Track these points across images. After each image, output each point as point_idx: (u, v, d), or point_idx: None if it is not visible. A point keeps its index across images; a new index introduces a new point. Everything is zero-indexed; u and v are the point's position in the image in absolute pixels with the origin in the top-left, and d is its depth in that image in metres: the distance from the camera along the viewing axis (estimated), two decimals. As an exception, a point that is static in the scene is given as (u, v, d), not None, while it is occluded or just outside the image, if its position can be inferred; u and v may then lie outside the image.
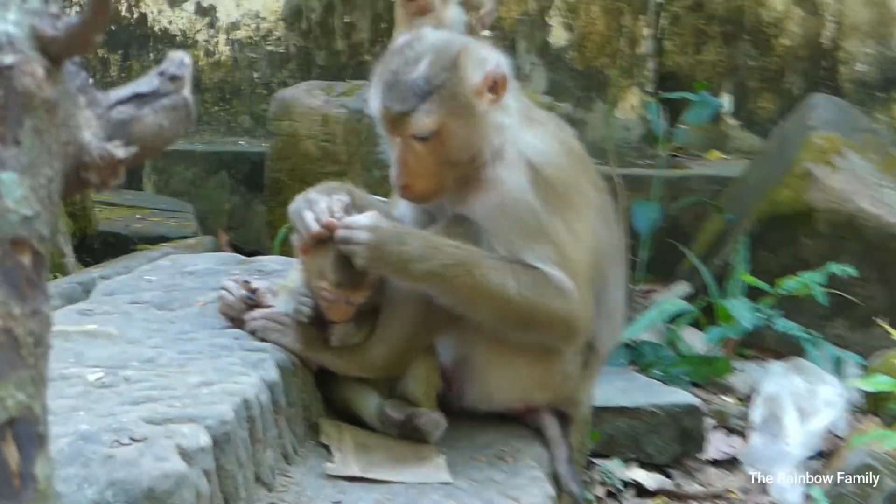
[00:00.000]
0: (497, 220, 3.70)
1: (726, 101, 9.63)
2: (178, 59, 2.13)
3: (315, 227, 3.64)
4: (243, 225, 9.33)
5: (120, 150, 2.00)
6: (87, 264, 7.03)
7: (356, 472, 3.52)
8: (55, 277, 6.44)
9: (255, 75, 9.88)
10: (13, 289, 1.86)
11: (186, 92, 2.13)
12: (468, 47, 3.75)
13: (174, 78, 2.10)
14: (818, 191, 6.77)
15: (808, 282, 5.77)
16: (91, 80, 2.07)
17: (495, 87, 3.70)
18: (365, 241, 3.58)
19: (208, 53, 9.83)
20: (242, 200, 9.42)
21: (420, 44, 3.74)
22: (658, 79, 9.57)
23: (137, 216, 8.39)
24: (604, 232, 3.96)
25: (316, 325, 3.77)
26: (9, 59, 1.83)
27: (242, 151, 9.58)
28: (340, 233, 3.59)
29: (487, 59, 3.71)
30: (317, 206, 3.70)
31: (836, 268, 5.83)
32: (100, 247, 7.65)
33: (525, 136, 3.77)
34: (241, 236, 8.91)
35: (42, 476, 1.90)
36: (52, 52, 1.89)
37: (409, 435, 3.76)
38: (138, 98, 2.08)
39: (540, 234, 3.68)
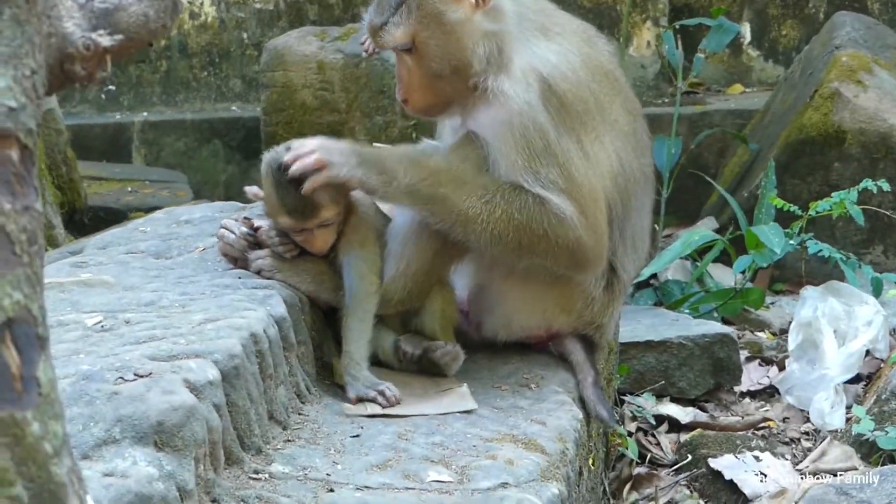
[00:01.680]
0: (503, 137, 3.74)
1: (746, 31, 9.64)
2: (160, -53, 2.17)
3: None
4: (240, 194, 9.30)
5: (105, 39, 2.04)
6: (77, 240, 7.08)
7: (376, 409, 3.57)
8: (46, 250, 6.49)
9: (245, 36, 9.90)
10: (2, 184, 1.89)
11: (171, -20, 2.17)
12: None
13: (157, -35, 2.14)
14: (847, 111, 6.78)
15: (842, 200, 5.75)
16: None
17: None
18: (350, 151, 3.66)
19: (193, 16, 9.86)
20: (238, 169, 9.45)
21: None
22: (672, 13, 9.57)
23: (128, 189, 8.43)
24: (632, 158, 3.98)
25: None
26: (-18, -58, 1.86)
27: (236, 117, 9.61)
28: (321, 157, 3.65)
29: None
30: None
31: (870, 183, 5.83)
32: (90, 222, 7.70)
33: (537, 47, 3.79)
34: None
35: (45, 379, 1.93)
36: (28, -64, 1.93)
37: (427, 369, 3.81)
38: (121, -13, 2.12)
39: (546, 155, 3.72)
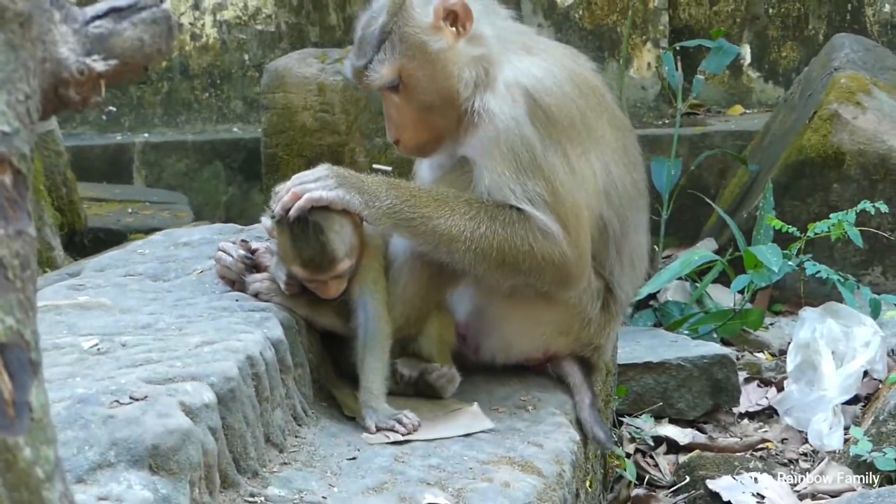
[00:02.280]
0: (490, 153, 3.73)
1: (746, 52, 9.66)
2: (155, -29, 2.17)
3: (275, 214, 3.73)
4: (241, 216, 9.34)
5: (99, 64, 2.05)
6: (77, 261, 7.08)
7: (397, 437, 3.56)
8: (44, 272, 6.50)
9: (246, 57, 9.93)
10: (-5, 209, 1.90)
11: (167, 5, 2.17)
12: None
13: (152, -10, 2.15)
14: (846, 132, 6.79)
15: (840, 221, 5.76)
16: None
17: (456, 19, 3.77)
18: (325, 175, 3.65)
19: (195, 37, 9.88)
20: (240, 190, 9.46)
21: None
22: (672, 34, 9.59)
23: (129, 210, 8.44)
24: (624, 174, 3.98)
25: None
26: (-23, -31, 1.87)
27: (237, 139, 9.62)
28: (297, 189, 3.65)
29: None
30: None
31: (868, 205, 5.83)
32: (90, 243, 7.69)
33: (521, 64, 3.80)
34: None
35: (37, 405, 1.93)
36: (21, -37, 1.94)
37: (424, 392, 3.81)
38: (115, 12, 2.12)
39: (533, 169, 3.71)
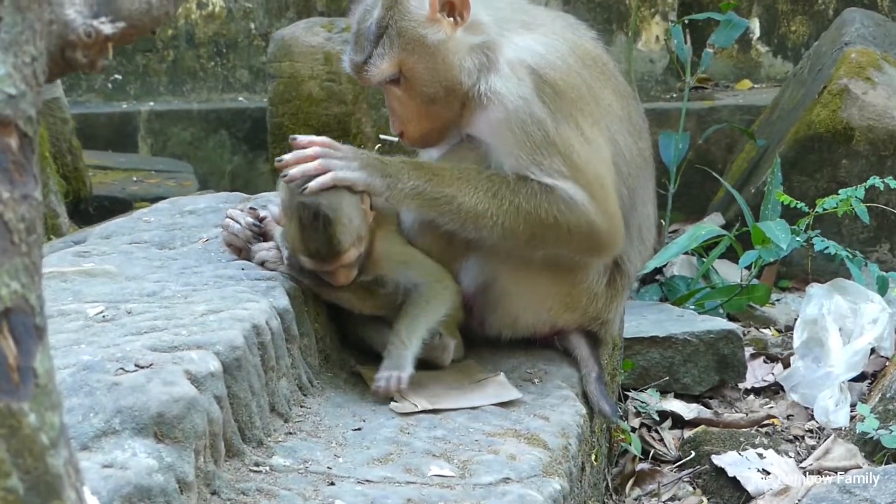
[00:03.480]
0: (502, 135, 3.72)
1: (756, 26, 9.61)
2: (163, -66, 2.15)
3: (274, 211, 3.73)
4: (247, 185, 9.33)
5: (107, 27, 2.03)
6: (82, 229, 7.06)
7: (426, 405, 3.54)
8: (49, 239, 6.48)
9: (252, 26, 9.88)
10: (1, 172, 1.88)
11: (174, -33, 2.15)
12: None
13: (160, -48, 2.13)
14: (856, 107, 6.76)
15: (848, 198, 5.74)
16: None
17: (452, 8, 3.74)
18: (351, 155, 3.63)
19: (200, 5, 9.83)
20: (245, 160, 9.44)
21: None
22: (681, 6, 9.55)
23: (134, 178, 8.42)
24: (630, 142, 3.96)
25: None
26: (-16, -72, 1.85)
27: (242, 108, 9.59)
28: (324, 163, 3.61)
29: None
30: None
31: (877, 181, 5.81)
32: (95, 211, 7.67)
33: (522, 42, 3.77)
34: (245, 196, 8.92)
35: (42, 370, 1.92)
36: (29, -78, 1.91)
37: (427, 360, 3.79)
38: (123, -26, 2.10)
39: (547, 145, 3.69)
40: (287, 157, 3.63)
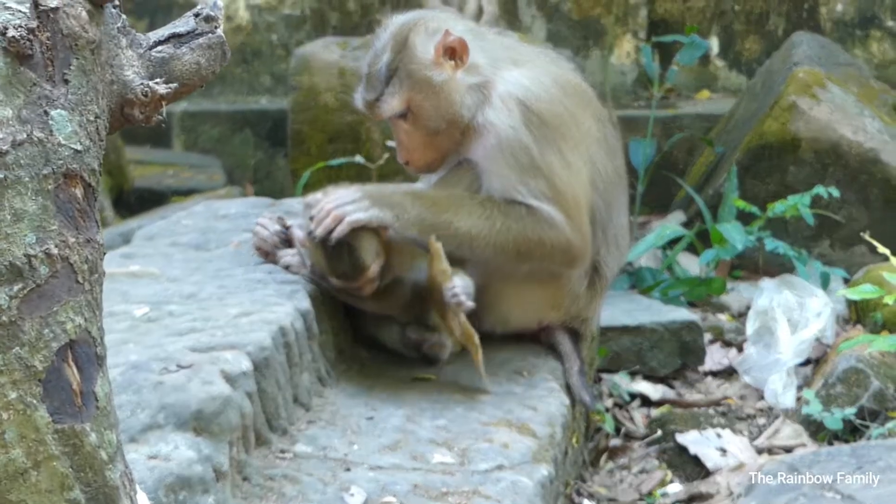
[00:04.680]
0: (495, 159, 3.72)
1: (714, 43, 9.57)
2: (212, 2, 2.13)
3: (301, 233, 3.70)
4: (267, 178, 9.32)
5: (161, 87, 2.00)
6: (125, 218, 7.04)
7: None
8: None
9: (274, 37, 9.83)
10: (68, 219, 1.86)
11: (221, 31, 2.12)
12: (418, 25, 3.79)
13: (209, 18, 2.10)
14: (803, 121, 6.72)
15: (795, 203, 5.75)
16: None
17: (453, 53, 3.72)
18: (360, 197, 3.59)
19: (229, 19, 9.78)
20: (266, 155, 9.40)
21: (384, 32, 3.82)
22: (650, 26, 9.51)
23: (169, 172, 8.40)
24: (606, 161, 3.96)
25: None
26: (54, 2, 1.82)
27: (264, 109, 9.55)
28: (338, 212, 3.58)
29: (438, 30, 3.74)
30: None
31: (822, 190, 5.81)
32: (136, 201, 7.67)
33: (511, 77, 3.77)
34: (265, 188, 8.89)
35: (102, 394, 1.91)
36: (93, -4, 1.89)
37: (424, 355, 3.78)
38: (176, 38, 2.07)
39: (533, 169, 3.69)
40: (311, 226, 3.59)
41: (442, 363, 3.78)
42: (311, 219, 3.57)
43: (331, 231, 3.52)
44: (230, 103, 9.68)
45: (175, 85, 2.03)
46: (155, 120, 2.04)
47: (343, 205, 3.57)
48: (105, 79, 1.95)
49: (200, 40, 2.10)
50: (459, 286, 3.59)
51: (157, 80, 2.02)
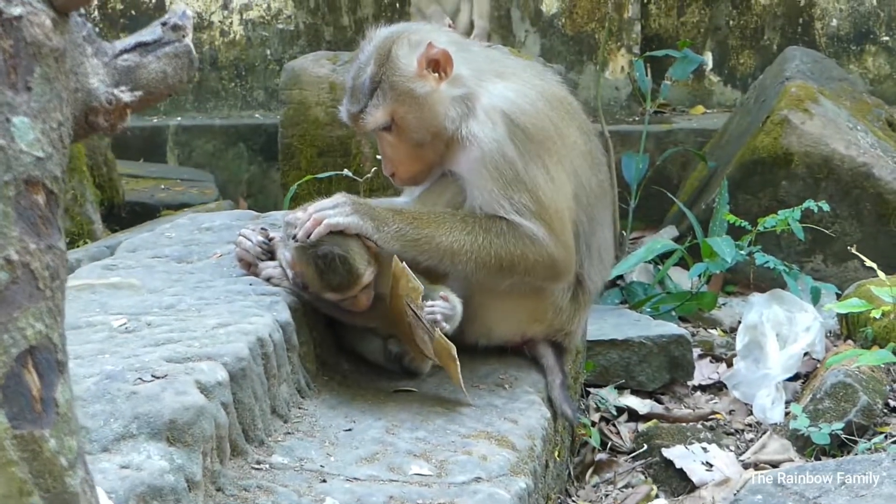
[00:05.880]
0: (478, 172, 3.72)
1: (708, 59, 9.60)
2: (181, 11, 2.14)
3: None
4: (261, 192, 9.35)
5: (126, 95, 2.01)
6: (114, 231, 7.05)
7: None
8: (85, 243, 6.47)
9: (268, 52, 9.87)
10: (29, 226, 1.87)
11: (188, 41, 2.13)
12: (402, 37, 3.80)
13: (176, 27, 2.11)
14: (795, 136, 6.74)
15: (786, 218, 5.76)
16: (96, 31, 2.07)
17: (437, 65, 3.74)
18: (342, 202, 3.60)
19: (223, 33, 9.81)
20: (259, 169, 9.43)
21: (368, 45, 3.84)
22: (644, 41, 9.54)
23: (161, 186, 8.40)
24: (590, 175, 3.97)
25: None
26: (17, 10, 1.83)
27: (258, 124, 9.59)
28: (318, 215, 3.58)
29: (421, 42, 3.76)
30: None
31: (812, 204, 5.82)
32: (127, 216, 7.67)
33: (495, 90, 3.78)
34: (259, 202, 8.93)
35: (62, 400, 1.91)
36: (57, 3, 1.90)
37: (405, 368, 3.79)
38: (142, 47, 2.09)
39: (517, 183, 3.69)
40: (293, 231, 3.60)
41: (423, 376, 3.78)
42: (293, 229, 3.59)
43: (310, 234, 3.53)
44: (224, 118, 9.72)
45: (140, 93, 2.04)
46: (120, 128, 2.05)
47: (324, 209, 3.59)
48: (69, 87, 1.96)
49: (167, 49, 2.11)
50: (439, 307, 3.59)
51: (122, 87, 2.04)
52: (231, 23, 9.79)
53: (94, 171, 7.29)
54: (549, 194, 3.71)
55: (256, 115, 9.79)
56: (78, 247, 6.30)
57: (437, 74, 3.75)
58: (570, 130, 3.88)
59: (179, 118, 9.67)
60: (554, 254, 3.73)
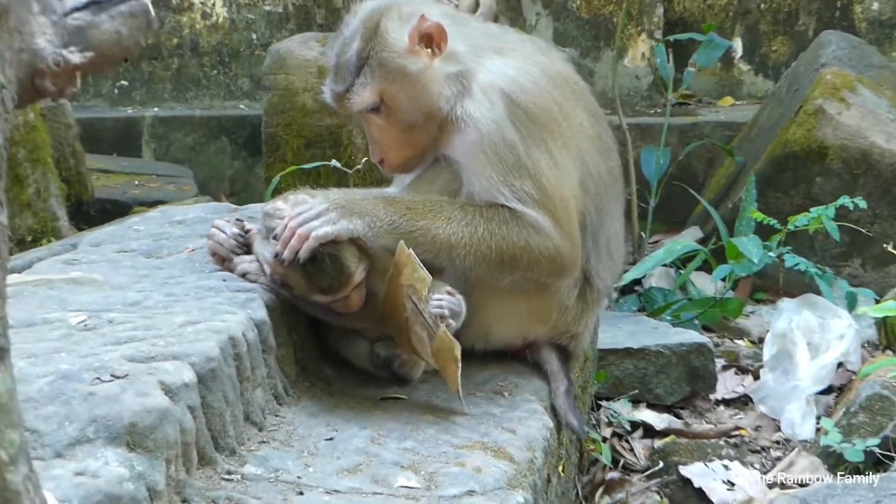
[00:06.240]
0: (475, 157, 3.70)
1: (738, 45, 9.60)
2: (140, -33, 2.14)
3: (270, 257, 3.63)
4: (245, 190, 9.34)
5: (76, 56, 2.01)
6: (81, 230, 7.05)
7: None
8: (49, 241, 6.47)
9: (254, 36, 9.88)
10: (-33, 198, 1.86)
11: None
12: (391, 9, 3.78)
13: (131, -16, 2.11)
14: (830, 127, 6.74)
15: (819, 216, 5.74)
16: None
17: (430, 40, 3.73)
18: (325, 209, 3.58)
19: (205, 16, 9.83)
20: (244, 165, 9.43)
21: (354, 19, 3.82)
22: (667, 26, 9.54)
23: (135, 182, 8.41)
24: (599, 161, 3.95)
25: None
26: (-48, -41, 1.83)
27: (242, 115, 9.60)
28: (302, 230, 3.57)
29: (412, 15, 3.75)
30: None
31: (847, 200, 5.81)
32: (96, 213, 7.67)
33: (493, 66, 3.76)
34: (242, 201, 8.90)
35: (3, 389, 1.90)
36: (-2, -46, 1.90)
37: (394, 374, 3.78)
38: (95, 5, 2.08)
39: (518, 168, 3.68)
40: (278, 247, 3.57)
41: (413, 382, 3.77)
42: (275, 238, 3.56)
43: (297, 251, 3.51)
44: (205, 108, 9.73)
45: (91, 54, 2.04)
46: (69, 92, 2.05)
47: (307, 221, 3.55)
48: (13, 46, 1.96)
49: (122, 7, 2.11)
50: (447, 300, 3.59)
51: (72, 48, 2.03)
52: (213, 4, 9.81)
53: (60, 163, 7.29)
54: (552, 181, 3.70)
55: (241, 106, 9.81)
56: (41, 245, 6.30)
57: (429, 50, 3.74)
58: (577, 111, 3.87)
59: (156, 109, 9.69)
60: (559, 245, 3.71)
